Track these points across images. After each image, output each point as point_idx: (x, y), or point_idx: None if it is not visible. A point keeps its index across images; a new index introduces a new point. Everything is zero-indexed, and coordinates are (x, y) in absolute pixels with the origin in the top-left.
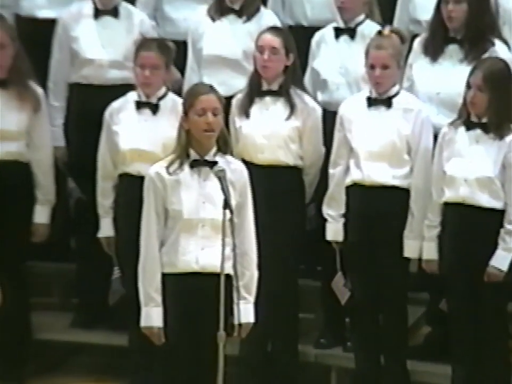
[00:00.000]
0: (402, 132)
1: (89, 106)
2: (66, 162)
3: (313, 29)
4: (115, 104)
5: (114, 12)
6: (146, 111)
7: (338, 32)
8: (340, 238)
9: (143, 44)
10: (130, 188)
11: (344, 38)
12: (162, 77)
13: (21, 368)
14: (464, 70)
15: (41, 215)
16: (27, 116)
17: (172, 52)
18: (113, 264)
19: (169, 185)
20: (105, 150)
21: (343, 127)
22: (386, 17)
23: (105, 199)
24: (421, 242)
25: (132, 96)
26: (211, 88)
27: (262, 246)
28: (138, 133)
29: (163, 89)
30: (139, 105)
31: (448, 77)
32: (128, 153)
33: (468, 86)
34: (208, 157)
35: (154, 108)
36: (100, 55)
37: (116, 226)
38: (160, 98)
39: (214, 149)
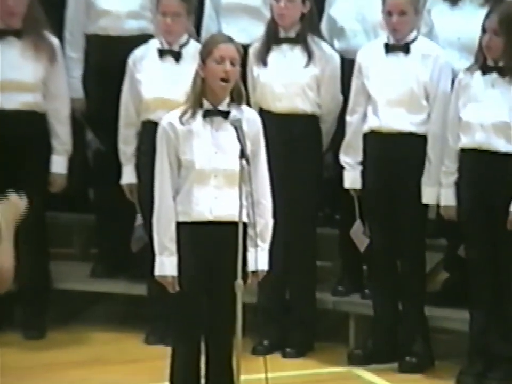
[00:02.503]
0: (420, 77)
1: (107, 57)
2: (84, 113)
3: None
4: (138, 52)
5: None
6: (169, 59)
7: None
8: (358, 185)
9: None
10: (154, 135)
11: None
12: (184, 24)
13: (41, 317)
14: (485, 14)
15: (59, 165)
16: (43, 67)
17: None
18: (136, 211)
19: (181, 135)
20: (128, 98)
21: (361, 74)
22: None
23: (127, 146)
24: (438, 188)
25: (154, 44)
26: (230, 39)
27: (280, 194)
28: (161, 81)
29: (185, 37)
30: (162, 53)
31: (469, 21)
32: (151, 101)
33: (483, 30)
34: (222, 107)
35: (177, 55)
36: (116, 5)
37: (138, 173)
38: (183, 46)
39: (228, 99)
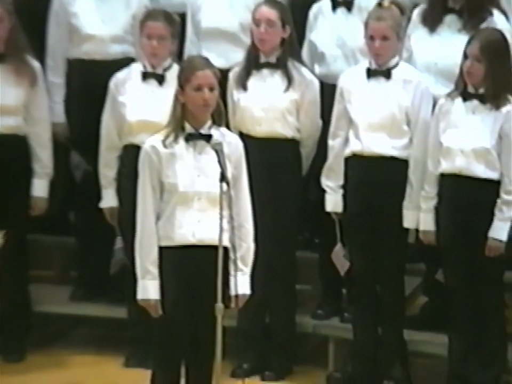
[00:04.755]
0: (401, 103)
1: (91, 81)
2: (68, 137)
3: (313, 1)
4: (120, 75)
5: None
6: (153, 82)
7: (335, 4)
8: (339, 209)
9: (150, 14)
10: (136, 158)
11: (341, 10)
12: (168, 48)
13: (20, 340)
14: (463, 39)
15: (39, 188)
16: (24, 90)
17: (177, 24)
18: (116, 234)
19: (164, 158)
20: (109, 121)
21: (343, 98)
22: None
23: (108, 170)
24: (419, 213)
25: (137, 67)
26: (207, 63)
27: (260, 218)
28: (145, 104)
29: (169, 60)
30: (145, 75)
31: (446, 46)
32: (135, 124)
33: (465, 56)
34: (203, 130)
35: (161, 79)
36: (100, 30)
37: (120, 197)
38: (166, 69)
39: (209, 122)
